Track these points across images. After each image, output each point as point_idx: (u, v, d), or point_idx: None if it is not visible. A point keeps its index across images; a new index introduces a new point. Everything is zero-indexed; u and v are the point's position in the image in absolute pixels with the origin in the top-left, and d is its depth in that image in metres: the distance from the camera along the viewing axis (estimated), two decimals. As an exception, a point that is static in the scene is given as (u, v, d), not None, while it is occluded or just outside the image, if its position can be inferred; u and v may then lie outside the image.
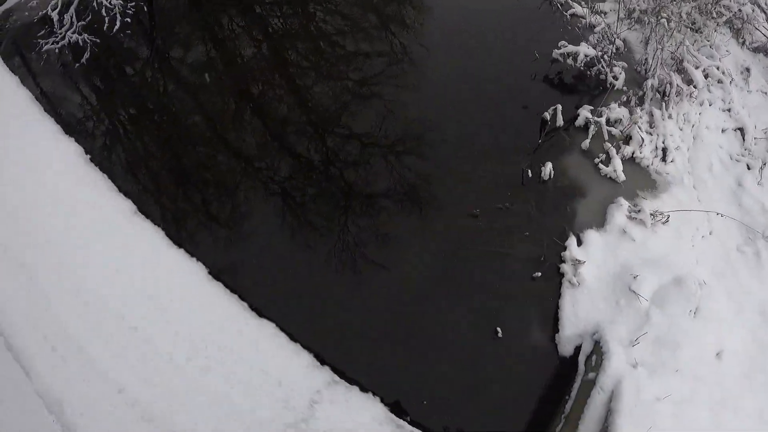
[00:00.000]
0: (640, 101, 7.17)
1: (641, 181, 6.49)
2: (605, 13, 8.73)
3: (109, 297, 5.83)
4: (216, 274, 5.96)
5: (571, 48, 7.31)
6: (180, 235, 6.51)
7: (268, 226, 6.53)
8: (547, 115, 6.69)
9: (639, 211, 6.05)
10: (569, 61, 7.33)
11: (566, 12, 8.51)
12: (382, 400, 4.91)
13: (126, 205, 6.72)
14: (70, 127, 7.92)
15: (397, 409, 4.85)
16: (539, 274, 5.50)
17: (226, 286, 5.83)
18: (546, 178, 6.16)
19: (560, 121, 6.64)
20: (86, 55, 8.55)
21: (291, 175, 7.06)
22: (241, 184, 7.05)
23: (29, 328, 5.65)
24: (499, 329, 5.18)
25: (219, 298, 5.75)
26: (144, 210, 6.69)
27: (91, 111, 8.49)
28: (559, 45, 7.46)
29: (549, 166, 6.20)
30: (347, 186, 6.75)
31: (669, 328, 5.30)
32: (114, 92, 8.70)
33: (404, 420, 4.79)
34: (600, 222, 6.02)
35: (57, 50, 8.69)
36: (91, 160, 7.30)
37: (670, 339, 5.22)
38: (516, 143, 6.81)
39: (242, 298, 5.73)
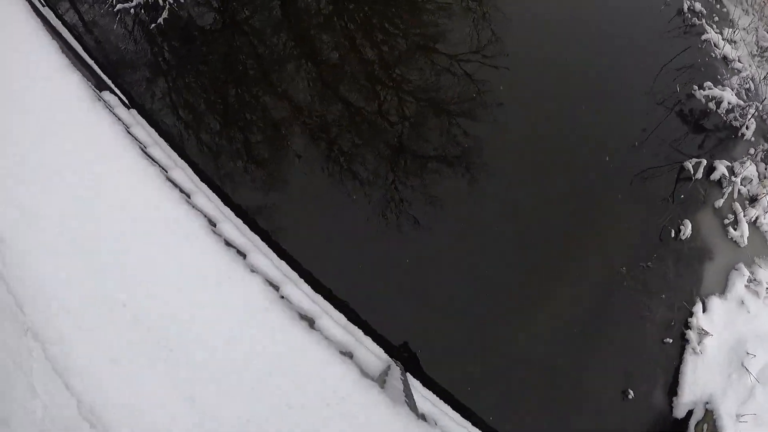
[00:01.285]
0: (766, 157, 7.16)
1: (758, 246, 6.65)
2: (735, 42, 8.42)
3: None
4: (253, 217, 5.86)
5: (716, 92, 7.07)
6: (220, 174, 6.32)
7: (311, 173, 6.42)
8: (690, 167, 6.57)
9: (757, 282, 6.25)
10: (711, 104, 7.11)
11: (700, 37, 8.13)
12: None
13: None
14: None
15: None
16: (670, 340, 5.69)
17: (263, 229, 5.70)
18: (684, 237, 6.18)
19: (699, 174, 6.56)
20: (164, 15, 7.29)
21: (340, 122, 6.81)
22: (290, 131, 6.77)
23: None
24: (630, 391, 5.40)
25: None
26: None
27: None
28: (704, 86, 7.19)
29: (689, 226, 6.21)
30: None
31: (766, 406, 5.72)
32: (186, 56, 7.50)
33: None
34: (722, 288, 6.21)
35: (131, 10, 7.38)
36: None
37: (767, 417, 5.65)
38: (645, 178, 6.72)
39: (278, 242, 5.69)
